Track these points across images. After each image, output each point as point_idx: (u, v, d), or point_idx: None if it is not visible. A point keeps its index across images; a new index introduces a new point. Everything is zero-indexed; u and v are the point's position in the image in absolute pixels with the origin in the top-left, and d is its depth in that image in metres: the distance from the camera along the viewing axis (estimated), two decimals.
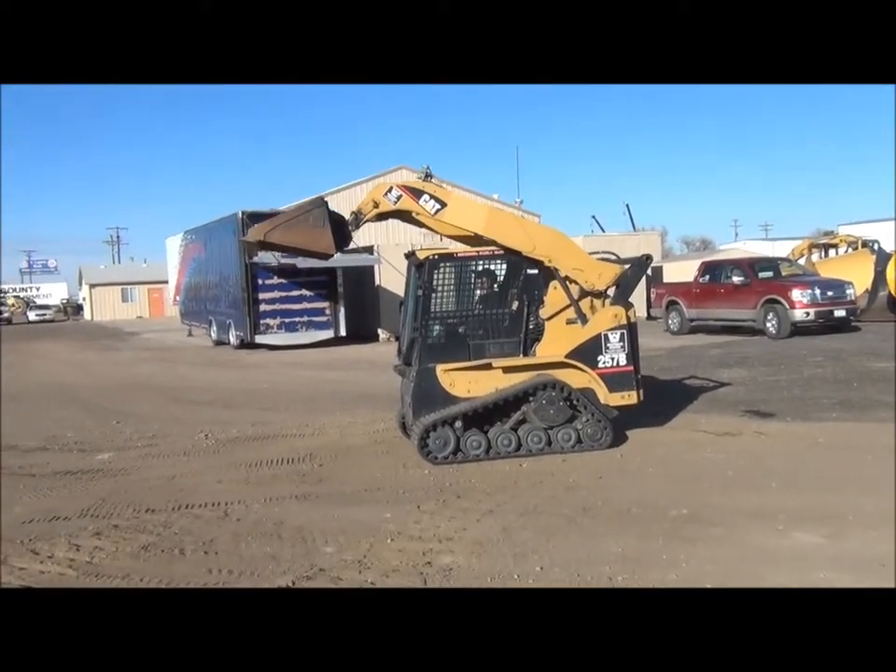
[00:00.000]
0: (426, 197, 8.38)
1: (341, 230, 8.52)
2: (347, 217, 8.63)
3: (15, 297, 77.57)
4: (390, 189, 8.44)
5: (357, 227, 8.65)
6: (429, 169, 8.60)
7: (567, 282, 8.39)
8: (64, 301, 77.43)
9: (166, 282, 39.85)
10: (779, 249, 46.04)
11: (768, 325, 19.41)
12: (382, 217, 8.75)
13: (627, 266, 8.75)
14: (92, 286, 62.47)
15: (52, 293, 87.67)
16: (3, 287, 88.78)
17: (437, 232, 8.93)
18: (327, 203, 8.53)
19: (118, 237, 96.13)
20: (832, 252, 29.05)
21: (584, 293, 8.48)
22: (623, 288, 8.68)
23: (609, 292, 8.69)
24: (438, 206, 8.37)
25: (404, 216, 8.74)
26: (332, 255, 8.67)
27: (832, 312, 19.22)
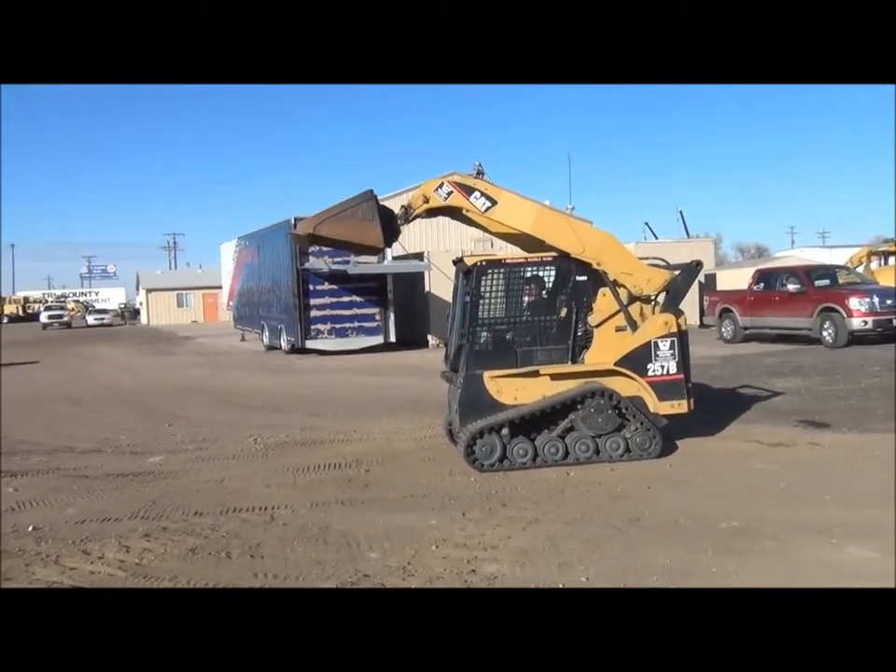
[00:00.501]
0: (476, 194, 8.35)
1: (390, 223, 8.52)
2: (397, 211, 8.65)
3: (75, 301, 79.48)
4: (441, 185, 8.43)
5: (407, 221, 8.66)
6: (481, 166, 8.54)
7: (616, 286, 8.30)
8: (122, 306, 79.09)
9: (220, 287, 40.43)
10: (837, 257, 45.05)
11: (824, 334, 18.99)
12: (432, 212, 8.74)
13: (677, 272, 8.63)
14: (149, 290, 63.72)
15: (111, 297, 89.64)
16: (64, 291, 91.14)
17: (486, 230, 8.90)
18: (376, 196, 8.49)
19: (174, 243, 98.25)
20: (891, 260, 28.39)
21: (633, 298, 8.39)
22: (674, 295, 8.57)
23: (658, 299, 8.59)
24: (488, 204, 8.34)
25: (454, 213, 8.72)
26: (381, 248, 8.68)
27: (891, 320, 18.67)
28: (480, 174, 8.52)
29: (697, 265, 8.83)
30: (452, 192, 8.39)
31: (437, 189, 8.42)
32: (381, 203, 8.50)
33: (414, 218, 8.70)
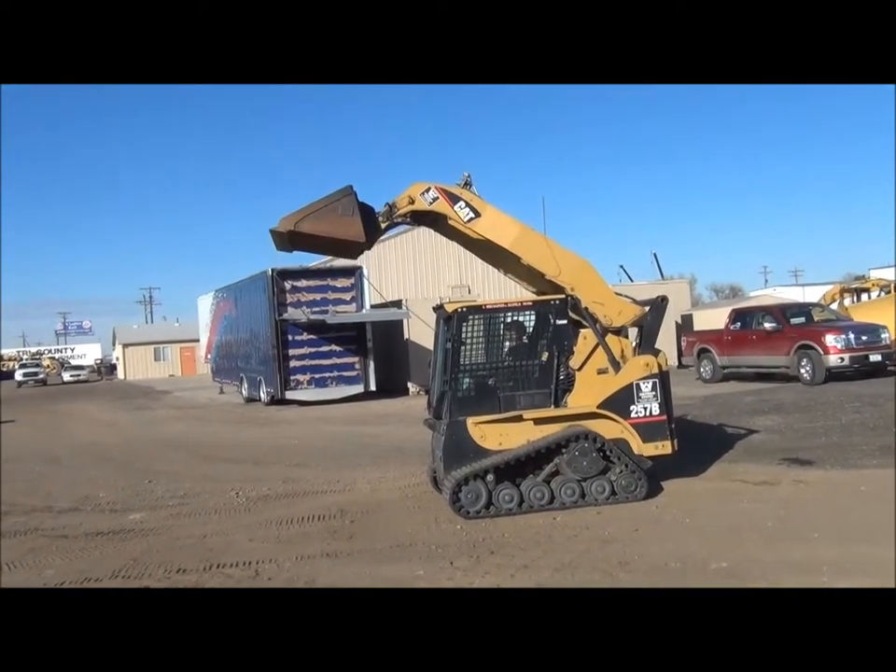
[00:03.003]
0: (461, 203, 8.39)
1: (371, 219, 8.48)
2: (380, 209, 8.60)
3: (50, 358, 78.81)
4: (428, 189, 8.46)
5: (390, 220, 8.62)
6: (469, 177, 8.57)
7: (588, 314, 8.33)
8: (98, 361, 78.45)
9: (198, 340, 40.24)
10: (810, 295, 45.67)
11: (802, 371, 19.13)
12: (415, 216, 8.74)
13: (647, 308, 8.68)
14: (126, 345, 63.33)
15: (87, 353, 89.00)
16: (40, 348, 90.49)
17: (465, 243, 8.97)
18: (355, 191, 8.42)
19: (150, 297, 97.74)
20: (864, 296, 28.77)
21: (604, 332, 8.41)
22: (648, 335, 8.62)
23: (633, 338, 8.63)
24: (472, 215, 8.38)
25: (437, 221, 8.75)
26: (362, 244, 8.56)
27: (867, 356, 18.89)
28: (467, 184, 8.56)
29: (662, 300, 8.83)
30: (437, 198, 8.42)
31: (423, 193, 8.46)
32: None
33: (397, 219, 8.66)
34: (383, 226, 8.66)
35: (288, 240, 8.64)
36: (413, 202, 8.49)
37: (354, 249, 8.94)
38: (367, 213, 8.45)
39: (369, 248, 8.88)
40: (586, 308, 8.33)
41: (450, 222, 8.55)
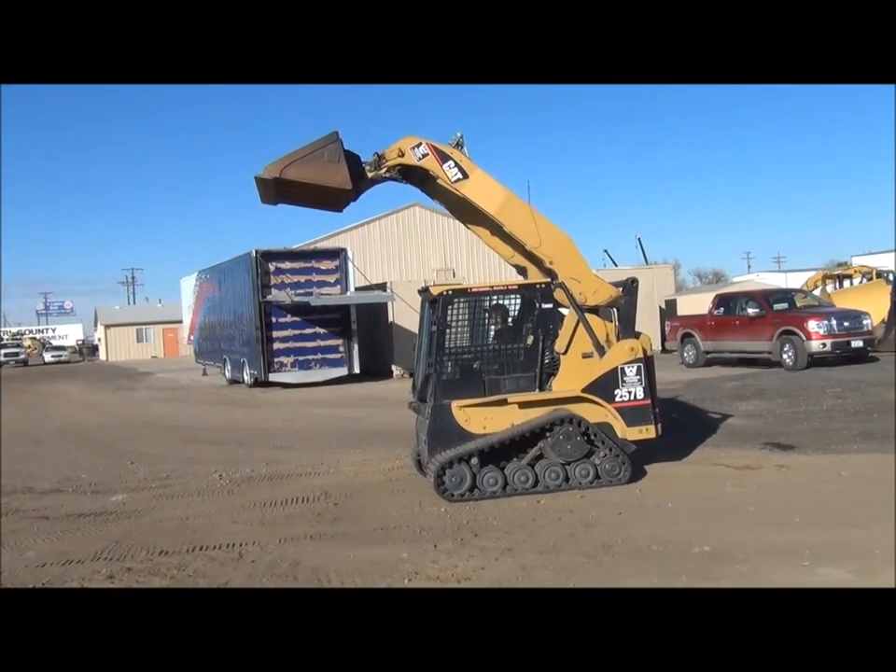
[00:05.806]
0: (451, 163, 8.32)
1: (356, 166, 8.42)
2: (369, 157, 8.54)
3: (31, 338, 78.14)
4: (419, 144, 8.39)
5: (378, 170, 8.54)
6: (462, 138, 8.50)
7: (564, 287, 8.31)
8: (80, 342, 77.91)
9: (181, 322, 40.04)
10: (793, 281, 45.89)
11: (784, 356, 19.24)
12: (403, 171, 8.67)
13: (621, 289, 8.67)
14: (108, 326, 62.96)
15: (68, 334, 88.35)
16: (20, 328, 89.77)
17: (448, 205, 8.94)
18: (341, 138, 8.32)
19: (133, 278, 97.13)
20: (846, 283, 28.95)
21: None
22: (625, 318, 8.61)
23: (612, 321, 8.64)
24: (460, 176, 8.32)
25: (425, 180, 8.70)
26: (349, 192, 8.50)
27: (849, 342, 19.03)
28: (459, 145, 8.48)
29: (633, 282, 8.76)
30: (427, 155, 8.35)
31: (414, 148, 8.38)
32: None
33: (385, 173, 8.59)
34: (369, 175, 8.57)
35: (274, 188, 8.53)
36: (402, 154, 8.42)
37: (340, 199, 8.83)
38: (353, 161, 8.37)
39: (355, 199, 8.82)
40: (563, 283, 8.32)
41: (438, 182, 8.49)
